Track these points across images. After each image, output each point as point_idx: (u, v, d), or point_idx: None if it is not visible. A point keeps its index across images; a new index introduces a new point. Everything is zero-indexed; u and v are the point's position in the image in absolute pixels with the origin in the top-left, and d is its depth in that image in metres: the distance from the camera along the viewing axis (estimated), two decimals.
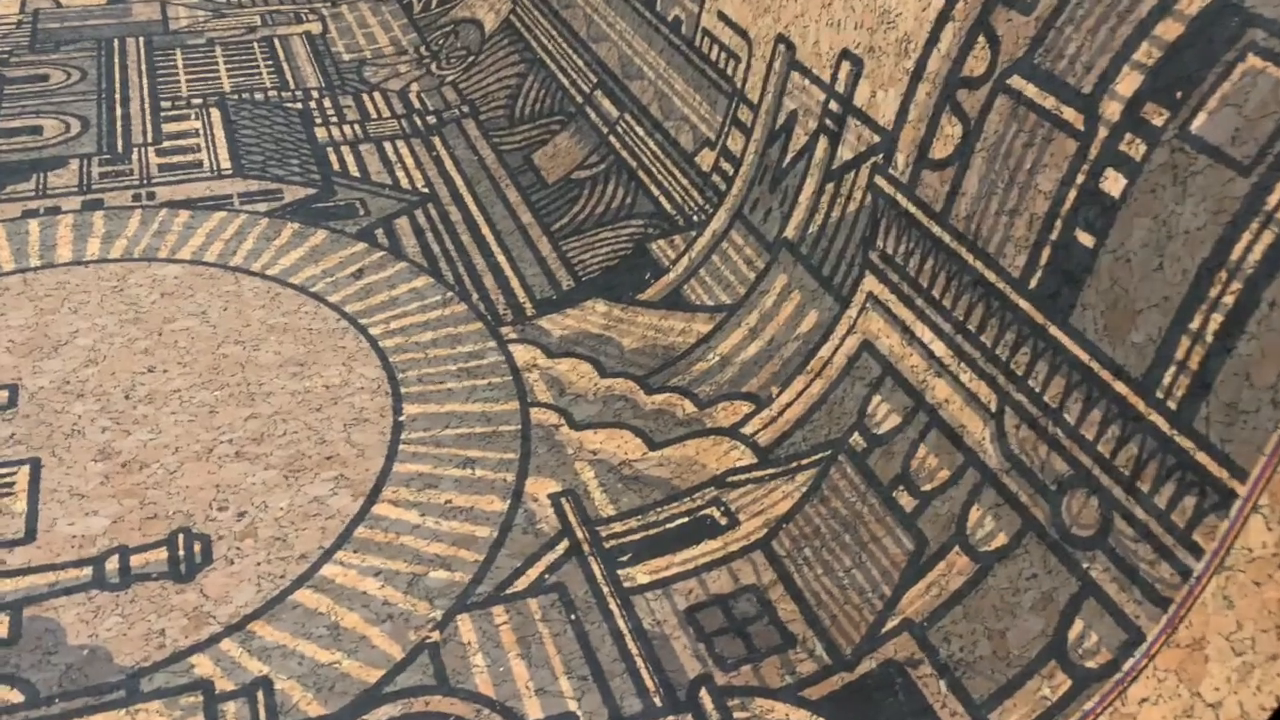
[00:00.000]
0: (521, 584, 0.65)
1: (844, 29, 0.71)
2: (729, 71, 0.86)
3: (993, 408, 0.59)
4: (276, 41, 1.34)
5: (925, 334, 0.64)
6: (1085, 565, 0.53)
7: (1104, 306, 0.52)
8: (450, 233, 0.98)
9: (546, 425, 0.77)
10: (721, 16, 0.86)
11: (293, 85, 1.23)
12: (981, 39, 0.60)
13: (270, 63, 1.28)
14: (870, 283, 0.69)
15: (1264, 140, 0.45)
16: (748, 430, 0.73)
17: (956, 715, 0.55)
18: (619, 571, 0.66)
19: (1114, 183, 0.51)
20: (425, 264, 0.94)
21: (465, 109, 1.18)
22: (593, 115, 1.05)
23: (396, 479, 0.72)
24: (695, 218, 0.88)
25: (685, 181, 0.91)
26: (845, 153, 0.71)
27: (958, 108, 0.61)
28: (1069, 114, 0.54)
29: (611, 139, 1.01)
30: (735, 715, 0.58)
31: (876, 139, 0.68)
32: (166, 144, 1.09)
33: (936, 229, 0.63)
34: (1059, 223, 0.54)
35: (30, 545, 0.65)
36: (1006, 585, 0.57)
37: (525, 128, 1.11)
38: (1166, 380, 0.48)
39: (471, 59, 1.26)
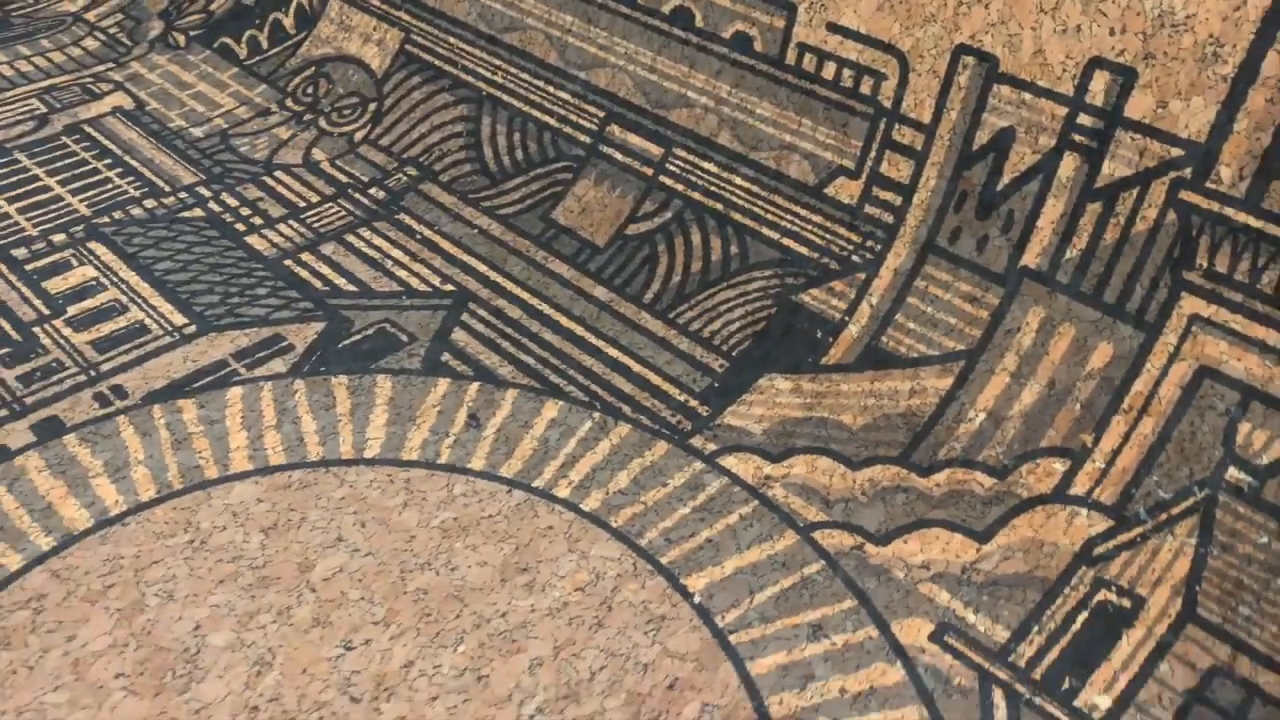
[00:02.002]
0: None
1: (1088, 35, 0.64)
2: (864, 91, 0.75)
3: None
4: (91, 130, 1.02)
5: None
6: None
7: None
8: (525, 334, 0.81)
9: (847, 550, 0.66)
10: (836, 29, 0.75)
11: (166, 188, 0.95)
12: None
13: (108, 161, 0.98)
14: (1193, 304, 0.64)
15: None
16: (1077, 490, 0.66)
17: None
18: (1074, 704, 0.58)
19: None
20: (538, 384, 0.76)
21: (412, 172, 0.97)
22: (618, 155, 0.90)
23: (765, 685, 0.58)
24: (856, 258, 0.77)
25: (818, 218, 0.79)
26: (1119, 169, 0.65)
27: None
28: None
29: (664, 179, 0.87)
30: None
31: (1177, 153, 0.62)
32: (74, 309, 0.81)
33: None
34: None
35: None
36: None
37: (519, 182, 0.93)
38: None
39: (374, 106, 1.03)
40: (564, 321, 0.82)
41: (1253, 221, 0.60)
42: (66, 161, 0.98)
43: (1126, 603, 0.62)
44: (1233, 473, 0.63)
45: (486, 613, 0.61)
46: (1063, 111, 0.66)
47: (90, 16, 1.23)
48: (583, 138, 0.92)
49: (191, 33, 1.17)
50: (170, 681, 0.57)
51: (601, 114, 0.91)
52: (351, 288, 0.85)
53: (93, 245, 0.88)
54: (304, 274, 0.86)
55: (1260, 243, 0.61)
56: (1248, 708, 0.57)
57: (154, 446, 0.70)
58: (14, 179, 0.95)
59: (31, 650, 0.58)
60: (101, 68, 1.13)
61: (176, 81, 1.12)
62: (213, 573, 0.62)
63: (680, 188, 0.86)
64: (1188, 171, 0.62)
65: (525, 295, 0.85)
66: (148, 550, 0.64)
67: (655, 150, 0.88)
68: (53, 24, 1.22)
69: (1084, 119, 0.65)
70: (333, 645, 0.59)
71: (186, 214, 0.92)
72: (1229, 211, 0.61)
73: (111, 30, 1.20)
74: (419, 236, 0.91)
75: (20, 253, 0.87)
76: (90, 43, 1.18)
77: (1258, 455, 0.62)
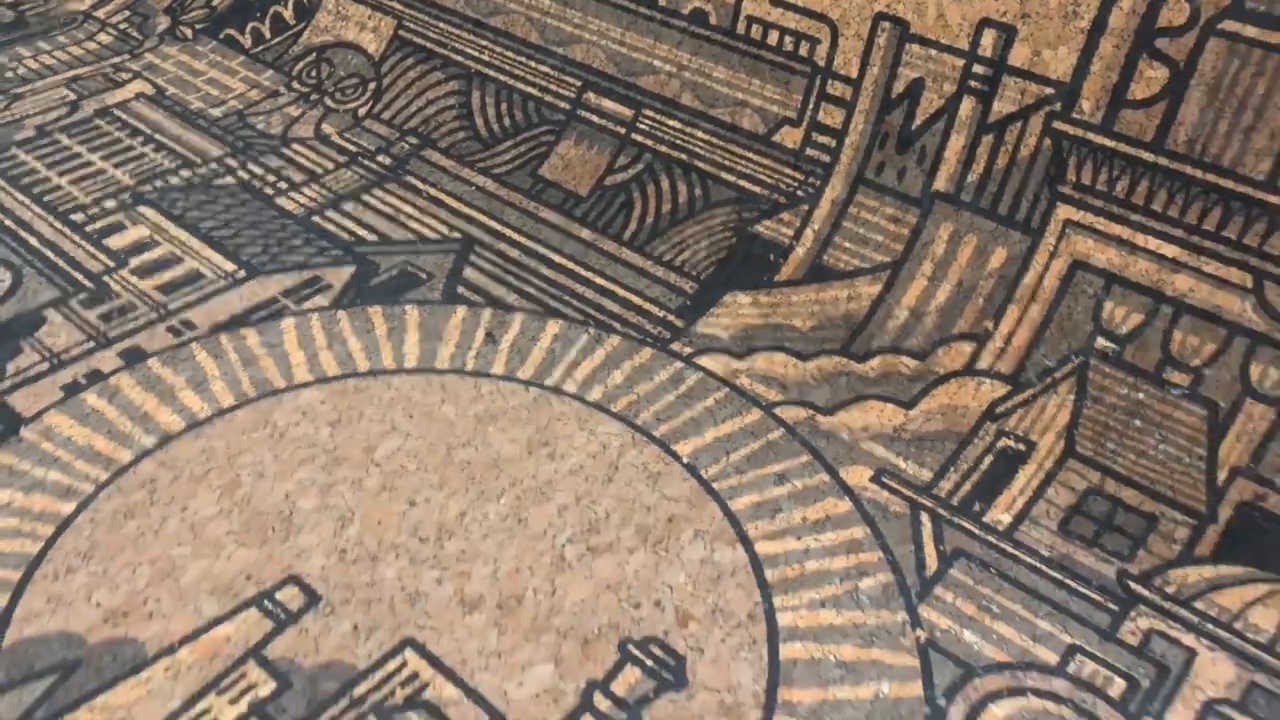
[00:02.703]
0: (932, 562, 0.72)
1: (978, 1, 0.80)
2: (802, 54, 0.91)
3: (1249, 285, 0.74)
4: (120, 113, 1.15)
5: (1150, 242, 0.77)
6: None
7: None
8: (525, 270, 0.95)
9: (802, 420, 0.82)
10: (778, 3, 0.90)
11: (198, 160, 1.08)
12: None
13: (141, 139, 1.11)
14: (1066, 211, 0.81)
15: None
16: (984, 365, 0.83)
17: None
18: (985, 520, 0.74)
19: None
20: (539, 308, 0.91)
21: (413, 141, 1.11)
22: (594, 118, 1.05)
23: (744, 515, 0.74)
24: (800, 192, 0.93)
25: (768, 161, 0.95)
26: (1005, 107, 0.81)
27: (1158, 54, 0.73)
28: None
29: (636, 136, 1.02)
30: (1165, 589, 0.70)
31: (1049, 91, 0.79)
32: (135, 262, 0.94)
33: (1149, 155, 0.75)
34: None
35: None
36: None
37: (508, 145, 1.08)
38: None
39: (373, 85, 1.17)
40: (557, 258, 0.97)
41: (1108, 143, 0.77)
42: (103, 140, 1.11)
43: (1022, 446, 0.79)
44: (1100, 342, 0.80)
45: (519, 475, 0.76)
46: (960, 63, 0.83)
47: (100, 14, 1.35)
48: (563, 104, 1.07)
49: (197, 26, 1.30)
50: (271, 536, 0.71)
51: (579, 83, 1.06)
52: (373, 237, 0.99)
53: (141, 209, 1.01)
54: (331, 227, 1.00)
55: (1114, 159, 0.77)
56: (1113, 514, 0.74)
57: (227, 366, 0.84)
58: (60, 156, 1.08)
59: (153, 519, 0.72)
60: (118, 59, 1.26)
61: (189, 70, 1.24)
62: (293, 456, 0.77)
63: (650, 143, 1.02)
64: (1058, 106, 0.79)
65: (522, 239, 1.00)
66: (235, 443, 0.78)
67: (627, 112, 1.03)
68: (66, 21, 1.34)
69: (977, 68, 0.82)
70: (400, 504, 0.74)
71: (219, 181, 1.05)
72: (1090, 136, 0.78)
73: (121, 25, 1.32)
74: (425, 195, 1.05)
75: (78, 217, 0.99)
76: (103, 37, 1.30)
77: (1118, 327, 0.79)
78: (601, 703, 0.62)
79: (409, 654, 0.64)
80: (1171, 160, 0.75)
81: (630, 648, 0.65)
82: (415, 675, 0.63)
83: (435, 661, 0.64)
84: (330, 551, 0.70)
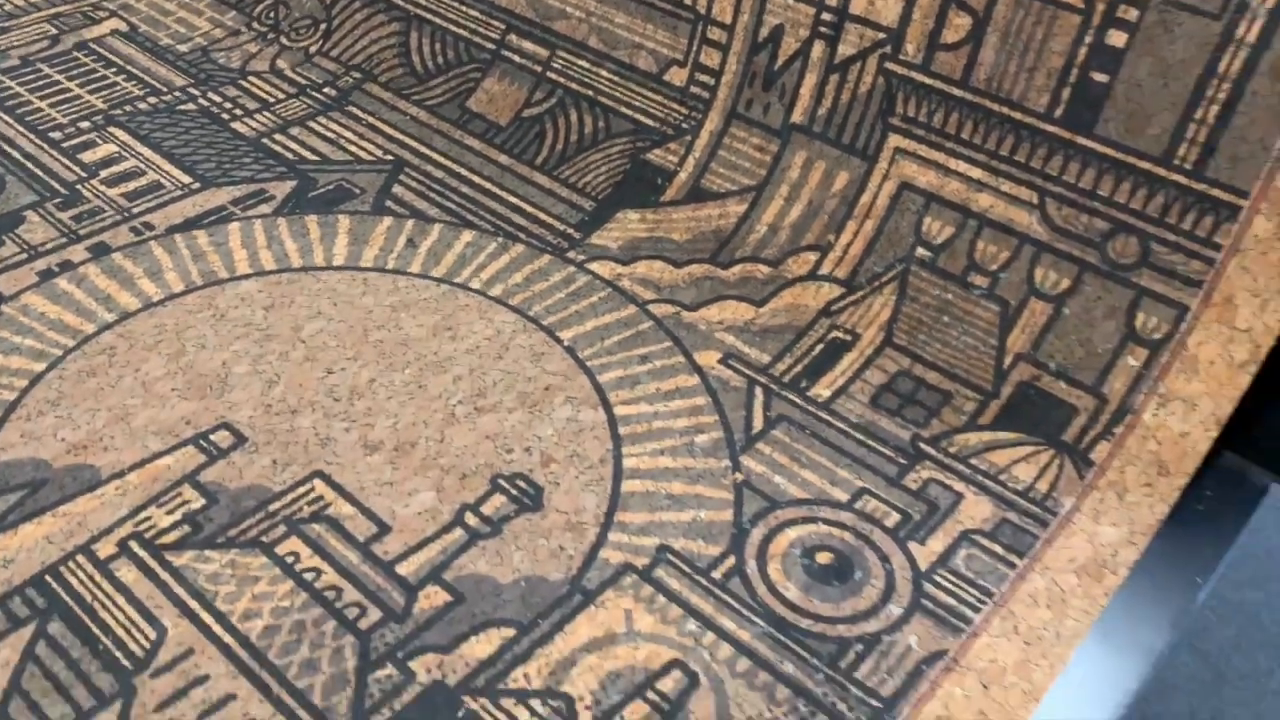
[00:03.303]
0: (758, 424, 0.86)
1: None
2: (687, 2, 1.04)
3: (1035, 201, 0.88)
4: (96, 46, 1.28)
5: (960, 166, 0.91)
6: (1135, 279, 0.84)
7: (1123, 118, 0.81)
8: (448, 188, 1.09)
9: (669, 315, 0.96)
10: None
11: (164, 89, 1.21)
12: None
13: (114, 69, 1.24)
14: (895, 140, 0.94)
15: None
16: (824, 271, 0.97)
17: (1080, 397, 0.86)
18: (809, 394, 0.89)
19: (1117, 38, 0.80)
20: (457, 220, 1.05)
21: (357, 75, 1.24)
22: (515, 58, 1.18)
23: (609, 385, 0.88)
24: (684, 124, 1.07)
25: (659, 98, 1.09)
26: (847, 50, 0.95)
27: (964, 5, 0.86)
28: (1069, 0, 0.82)
29: (550, 75, 1.16)
30: (948, 450, 0.84)
31: (881, 35, 0.92)
32: (105, 173, 1.07)
33: (958, 91, 0.89)
34: (1075, 70, 0.82)
35: (392, 533, 0.75)
36: (1080, 310, 0.87)
37: (440, 80, 1.21)
38: (1181, 153, 0.79)
39: (324, 26, 1.30)
40: (476, 179, 1.11)
41: (928, 80, 0.91)
42: (80, 69, 1.24)
43: (849, 338, 0.93)
44: (919, 251, 0.94)
45: (423, 352, 0.90)
46: (812, 11, 0.96)
47: None
48: (489, 45, 1.20)
49: None
50: (209, 393, 0.85)
51: (503, 26, 1.19)
52: (315, 158, 1.13)
53: (112, 130, 1.14)
54: (278, 149, 1.13)
55: (932, 95, 0.91)
56: (916, 391, 0.88)
57: (179, 259, 0.98)
58: (41, 83, 1.21)
59: (111, 377, 0.86)
60: None
61: (160, 10, 1.37)
62: (231, 333, 0.91)
63: (562, 80, 1.15)
64: (889, 49, 0.93)
65: (447, 162, 1.13)
66: (183, 320, 0.92)
67: (543, 53, 1.16)
68: None
69: (825, 16, 0.95)
70: (319, 371, 0.88)
71: (182, 107, 1.19)
72: (914, 75, 0.92)
73: None
74: (364, 123, 1.18)
75: (56, 135, 1.13)
76: None
77: (935, 238, 0.93)
78: (471, 519, 0.76)
79: (317, 482, 0.79)
80: (975, 95, 0.89)
81: (500, 480, 0.79)
82: (320, 498, 0.78)
83: (338, 488, 0.78)
84: (257, 406, 0.84)
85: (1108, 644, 0.70)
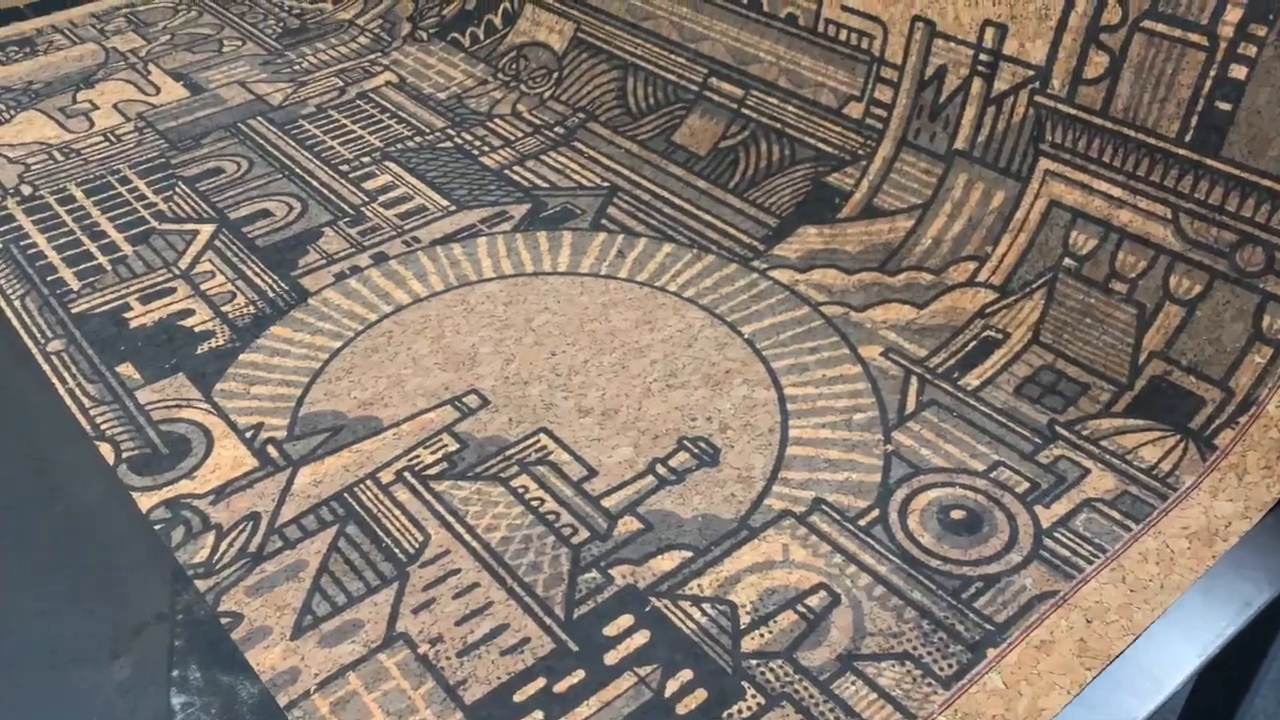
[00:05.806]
0: (911, 406, 1.00)
1: (981, 6, 1.07)
2: (863, 46, 1.20)
3: (1169, 216, 0.98)
4: (373, 95, 1.56)
5: (1102, 185, 1.02)
6: (1261, 285, 0.93)
7: (1246, 141, 0.91)
8: (653, 209, 1.29)
9: (838, 315, 1.11)
10: (846, 9, 1.20)
11: (427, 130, 1.47)
12: (1112, 1, 0.97)
13: (388, 114, 1.51)
14: (1045, 163, 1.06)
15: None
16: (981, 279, 1.10)
17: (1209, 390, 0.95)
18: (959, 383, 1.02)
19: (1239, 71, 0.90)
20: (659, 235, 1.24)
21: (581, 115, 1.46)
22: (715, 97, 1.37)
23: (781, 371, 1.04)
24: (860, 152, 1.22)
25: (839, 129, 1.25)
26: (1002, 85, 1.08)
27: (1102, 45, 0.98)
28: (1194, 38, 0.92)
29: (745, 111, 1.34)
30: (1081, 433, 0.95)
31: (1030, 73, 1.05)
32: (382, 198, 1.33)
33: (1099, 120, 1.01)
34: (1201, 100, 0.93)
35: (598, 476, 0.94)
36: (1210, 312, 0.96)
37: (651, 118, 1.41)
38: None
39: (556, 75, 1.53)
40: (677, 201, 1.30)
41: (1072, 111, 1.03)
42: (362, 115, 1.52)
43: (1000, 336, 1.05)
44: (1066, 261, 1.05)
45: (627, 340, 1.09)
46: (971, 53, 1.09)
47: (360, 22, 1.78)
48: (693, 87, 1.39)
49: (430, 31, 1.70)
50: (462, 366, 1.07)
51: (705, 70, 1.38)
52: (545, 185, 1.35)
53: (387, 163, 1.40)
54: (516, 178, 1.36)
55: (1076, 124, 1.03)
56: (1057, 383, 1.00)
57: (439, 265, 1.21)
58: (332, 126, 1.50)
59: (389, 353, 1.09)
60: (373, 56, 1.67)
61: (423, 64, 1.64)
62: (479, 322, 1.13)
63: (754, 115, 1.33)
64: (1038, 84, 1.05)
65: (653, 187, 1.33)
66: (443, 312, 1.14)
67: (739, 92, 1.34)
68: (336, 28, 1.77)
69: (982, 57, 1.09)
70: (545, 353, 1.08)
71: (441, 145, 1.44)
72: (1059, 106, 1.03)
73: (375, 30, 1.75)
74: (586, 155, 1.40)
75: (345, 168, 1.40)
76: (362, 40, 1.73)
77: (1080, 250, 1.04)
78: (660, 469, 0.94)
79: (542, 436, 0.99)
80: (1114, 123, 0.99)
81: (685, 441, 0.97)
82: (544, 448, 0.97)
83: (558, 441, 0.98)
84: (498, 378, 1.05)
85: (1208, 595, 0.80)
